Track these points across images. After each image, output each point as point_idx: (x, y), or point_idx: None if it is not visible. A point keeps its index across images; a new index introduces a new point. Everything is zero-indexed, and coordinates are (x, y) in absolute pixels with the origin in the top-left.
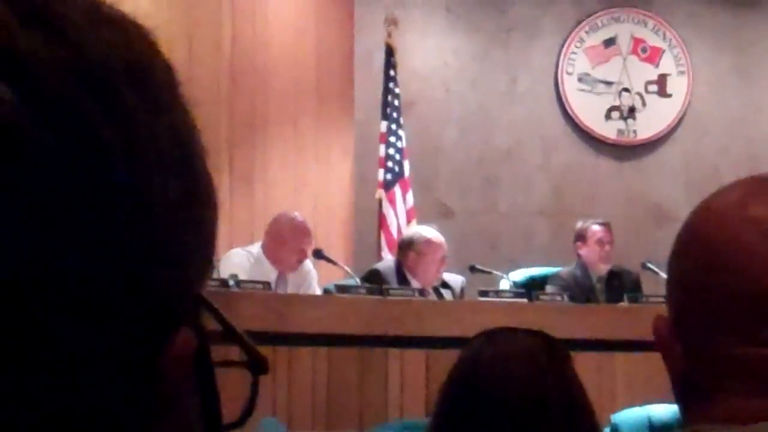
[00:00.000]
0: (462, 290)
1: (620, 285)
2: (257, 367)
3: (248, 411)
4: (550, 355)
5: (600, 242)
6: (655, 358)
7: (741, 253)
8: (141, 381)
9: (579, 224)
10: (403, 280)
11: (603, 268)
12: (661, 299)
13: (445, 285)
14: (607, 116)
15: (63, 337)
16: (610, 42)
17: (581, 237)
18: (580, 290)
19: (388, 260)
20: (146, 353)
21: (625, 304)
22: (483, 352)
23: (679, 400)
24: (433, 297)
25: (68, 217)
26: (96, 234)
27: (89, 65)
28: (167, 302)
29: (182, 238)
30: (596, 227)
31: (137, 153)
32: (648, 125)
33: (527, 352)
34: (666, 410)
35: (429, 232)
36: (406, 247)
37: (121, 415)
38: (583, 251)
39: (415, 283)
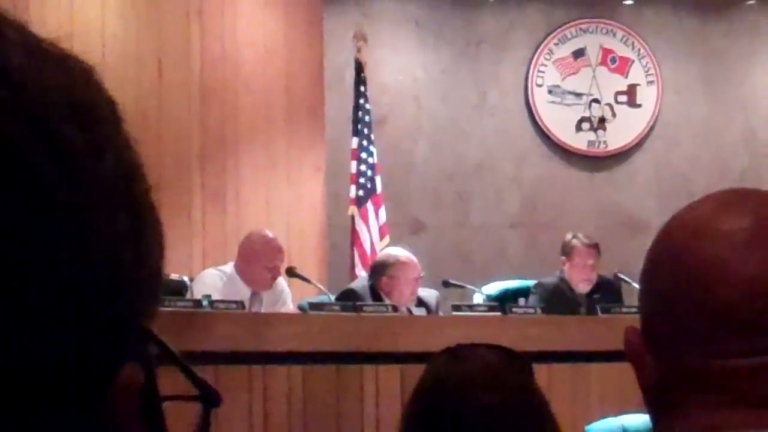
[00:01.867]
0: (437, 305)
1: (602, 297)
2: (208, 400)
3: None
4: (512, 371)
5: (584, 264)
6: (630, 369)
7: (709, 266)
8: (86, 417)
9: (567, 237)
10: (377, 298)
11: (584, 288)
12: (635, 310)
13: (421, 303)
14: (578, 127)
15: (2, 372)
16: (579, 53)
17: (567, 253)
18: (563, 302)
19: (362, 279)
20: (91, 389)
21: (599, 315)
22: (446, 371)
23: (649, 411)
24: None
25: (12, 257)
26: (40, 272)
27: (32, 105)
28: (114, 338)
29: (128, 274)
30: (582, 248)
31: (81, 192)
32: (618, 136)
33: (491, 369)
34: (640, 420)
35: (401, 253)
36: (378, 271)
37: None
38: (567, 267)
39: (389, 302)
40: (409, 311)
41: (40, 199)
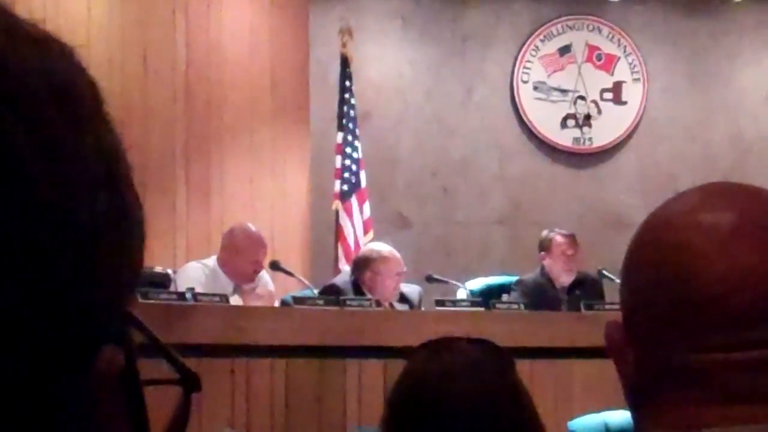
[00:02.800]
0: (420, 300)
1: (583, 293)
2: (189, 384)
3: (177, 430)
4: (494, 364)
5: (564, 254)
6: (612, 365)
7: (691, 259)
8: (65, 401)
9: (544, 234)
10: (360, 294)
11: (566, 280)
12: (618, 307)
13: (404, 298)
14: (563, 124)
15: None
16: (565, 50)
17: (545, 248)
18: (544, 299)
19: (345, 274)
20: (70, 372)
21: (582, 311)
22: (426, 363)
23: (630, 405)
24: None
25: None
26: (18, 253)
27: (11, 85)
28: (92, 320)
29: (107, 256)
30: (560, 239)
31: (61, 172)
32: (604, 133)
33: (472, 362)
34: (623, 417)
35: (383, 248)
36: (362, 266)
37: None
38: (547, 262)
39: (372, 297)
40: (392, 306)
41: (18, 178)
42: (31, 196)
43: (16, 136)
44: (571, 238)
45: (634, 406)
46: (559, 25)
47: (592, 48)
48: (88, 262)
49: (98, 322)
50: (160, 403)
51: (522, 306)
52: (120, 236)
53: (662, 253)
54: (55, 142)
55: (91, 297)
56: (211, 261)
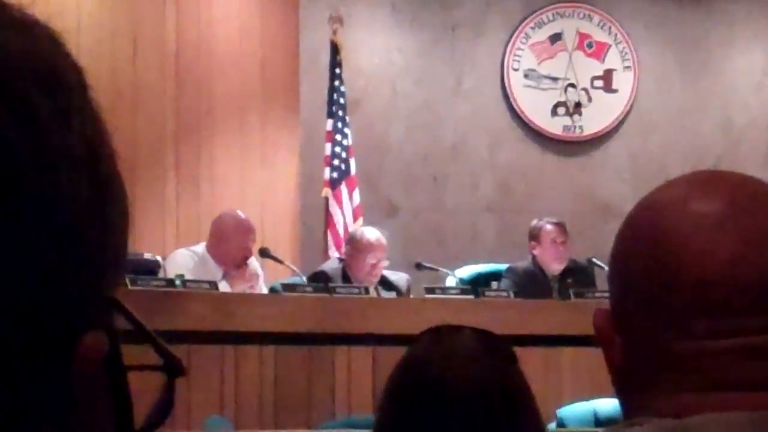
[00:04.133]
0: (408, 288)
1: (574, 281)
2: (172, 370)
3: (161, 415)
4: (496, 355)
5: (554, 242)
6: (601, 353)
7: (679, 247)
8: (48, 384)
9: (533, 223)
10: (348, 280)
11: (557, 268)
12: (608, 295)
13: (391, 286)
14: (553, 112)
15: None
16: (555, 38)
17: (535, 237)
18: (535, 287)
19: (333, 261)
20: (53, 356)
21: (572, 299)
22: (429, 351)
23: (618, 392)
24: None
25: None
26: (4, 236)
27: None
28: (76, 304)
29: (92, 241)
30: (550, 227)
31: (46, 156)
32: (594, 121)
33: (474, 351)
34: (612, 405)
35: (372, 234)
36: (347, 241)
37: (28, 418)
38: (537, 251)
39: (358, 282)
40: (377, 292)
41: (3, 161)
42: (16, 180)
43: (1, 120)
44: (561, 226)
45: (621, 394)
46: (549, 13)
47: (582, 36)
48: (72, 246)
49: (82, 307)
50: (146, 388)
51: (511, 294)
52: (104, 220)
53: (650, 241)
54: (40, 126)
55: (75, 281)
56: (200, 248)
